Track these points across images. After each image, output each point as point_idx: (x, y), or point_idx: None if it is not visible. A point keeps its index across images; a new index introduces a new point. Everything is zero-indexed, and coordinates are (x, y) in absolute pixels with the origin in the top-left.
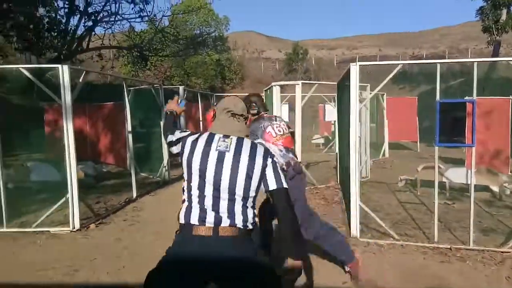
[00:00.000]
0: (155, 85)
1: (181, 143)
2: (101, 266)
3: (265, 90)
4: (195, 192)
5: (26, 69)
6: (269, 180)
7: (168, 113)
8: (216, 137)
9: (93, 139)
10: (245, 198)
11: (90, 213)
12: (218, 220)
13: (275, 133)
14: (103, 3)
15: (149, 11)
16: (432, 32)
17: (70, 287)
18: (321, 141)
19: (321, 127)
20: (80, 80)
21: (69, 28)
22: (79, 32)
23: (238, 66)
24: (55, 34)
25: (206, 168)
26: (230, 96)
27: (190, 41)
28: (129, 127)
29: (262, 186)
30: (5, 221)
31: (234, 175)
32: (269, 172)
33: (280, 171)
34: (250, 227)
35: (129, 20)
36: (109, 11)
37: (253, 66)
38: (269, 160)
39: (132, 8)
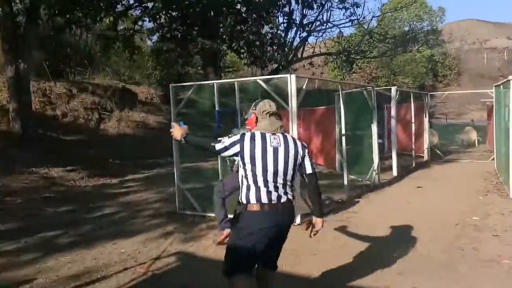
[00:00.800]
0: (367, 88)
1: (237, 145)
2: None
3: (495, 86)
4: (260, 179)
5: (262, 80)
6: (306, 166)
7: (183, 140)
8: (267, 135)
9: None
10: (292, 180)
11: (307, 209)
12: (279, 198)
13: None
14: (316, 14)
15: (359, 15)
16: None
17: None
18: None
19: None
20: (304, 87)
21: (287, 41)
22: (295, 43)
23: (454, 60)
24: (276, 47)
25: (267, 161)
26: (263, 100)
27: (399, 39)
28: (343, 129)
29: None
30: None
31: (286, 165)
32: (306, 160)
33: (311, 159)
34: (291, 198)
35: (339, 26)
36: (321, 20)
37: (472, 59)
38: (306, 151)
39: (343, 14)
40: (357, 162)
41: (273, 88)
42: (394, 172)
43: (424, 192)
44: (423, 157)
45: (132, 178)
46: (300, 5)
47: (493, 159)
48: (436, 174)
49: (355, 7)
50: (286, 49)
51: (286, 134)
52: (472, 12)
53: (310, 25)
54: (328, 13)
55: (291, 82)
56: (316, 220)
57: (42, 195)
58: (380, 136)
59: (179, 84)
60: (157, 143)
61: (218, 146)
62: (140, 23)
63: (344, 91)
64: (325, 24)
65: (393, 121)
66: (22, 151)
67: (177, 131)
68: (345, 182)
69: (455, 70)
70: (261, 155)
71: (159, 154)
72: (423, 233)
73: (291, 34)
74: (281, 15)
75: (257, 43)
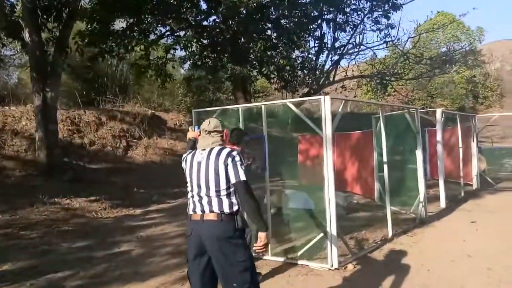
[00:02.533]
0: (410, 109)
1: (183, 161)
2: None
3: None
4: (190, 192)
5: (292, 103)
6: (229, 175)
7: (191, 138)
8: (197, 152)
9: (340, 168)
10: (218, 191)
11: (346, 249)
12: (202, 210)
13: None
14: (349, 36)
15: (394, 36)
16: None
17: None
18: None
19: None
20: (340, 109)
21: (318, 64)
22: (326, 66)
23: (495, 81)
24: (307, 71)
25: (192, 176)
26: (208, 119)
27: (436, 60)
28: (384, 156)
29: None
30: (270, 248)
31: (207, 178)
32: (229, 169)
33: (239, 167)
34: (228, 211)
35: (372, 48)
36: (354, 43)
37: None
38: (229, 159)
39: (377, 36)
40: (398, 192)
41: (304, 113)
42: (442, 203)
43: (481, 228)
44: (472, 185)
45: (156, 209)
46: (331, 28)
47: None
48: (490, 205)
49: (389, 28)
50: (317, 72)
51: (216, 147)
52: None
53: (342, 48)
54: (361, 36)
55: (325, 104)
56: (260, 235)
57: (60, 228)
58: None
59: (201, 110)
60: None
61: (184, 155)
62: (172, 51)
63: (386, 114)
64: (358, 47)
65: (439, 146)
66: (46, 181)
67: (190, 133)
68: (389, 217)
69: (497, 91)
70: (189, 170)
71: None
72: (488, 284)
73: (322, 57)
74: (312, 39)
75: (288, 67)
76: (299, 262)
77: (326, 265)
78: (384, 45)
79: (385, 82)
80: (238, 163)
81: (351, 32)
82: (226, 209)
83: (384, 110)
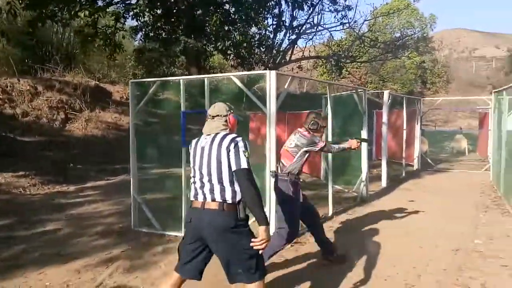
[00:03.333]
0: (358, 90)
1: (189, 145)
2: None
3: (494, 92)
4: (192, 180)
5: (237, 77)
6: (231, 162)
7: None
8: (202, 137)
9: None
10: (220, 179)
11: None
12: (204, 197)
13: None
14: (307, 16)
15: (350, 18)
16: None
17: None
18: None
19: None
20: (286, 86)
21: (275, 43)
22: (283, 45)
23: (443, 68)
24: (264, 49)
25: (195, 161)
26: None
27: (390, 45)
28: (329, 136)
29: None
30: None
31: (209, 164)
32: (231, 155)
33: (242, 154)
34: (230, 201)
35: (330, 29)
36: (312, 23)
37: (461, 67)
38: (232, 145)
39: (334, 17)
40: (343, 171)
41: (260, 91)
42: (384, 183)
43: (417, 207)
44: (413, 166)
45: (92, 186)
46: (290, 7)
47: (487, 169)
48: (429, 185)
49: (346, 9)
50: (274, 51)
51: (219, 133)
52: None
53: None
54: (319, 16)
55: (271, 79)
56: (258, 230)
57: None
58: (368, 142)
59: (139, 80)
60: (129, 147)
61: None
62: (122, 20)
63: (333, 94)
64: (315, 27)
65: (384, 127)
66: None
67: None
68: (330, 196)
69: (444, 77)
70: (193, 156)
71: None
72: (419, 261)
73: (280, 36)
74: (270, 16)
75: (245, 44)
76: None
77: None
78: (341, 27)
79: (340, 64)
80: (241, 150)
81: (309, 12)
82: (229, 198)
83: (332, 89)
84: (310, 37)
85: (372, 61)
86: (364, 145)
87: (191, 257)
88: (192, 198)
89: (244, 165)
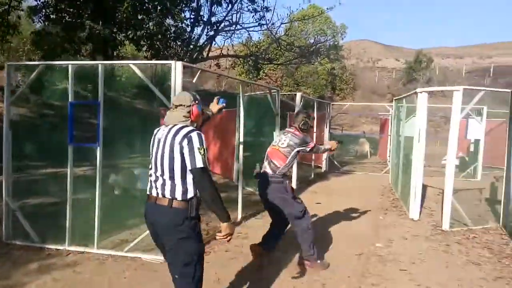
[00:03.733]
0: (272, 91)
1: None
2: None
3: (395, 100)
4: (150, 171)
5: (138, 66)
6: (186, 161)
7: (209, 112)
8: (161, 128)
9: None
10: (172, 174)
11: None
12: (156, 192)
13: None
14: (225, 13)
15: (268, 19)
16: None
17: None
18: (455, 162)
19: None
20: (194, 80)
21: (192, 37)
22: (201, 41)
23: (351, 76)
24: (180, 43)
25: (152, 153)
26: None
27: (304, 50)
28: (241, 137)
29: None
30: (97, 240)
31: (162, 158)
32: (186, 153)
33: (196, 152)
34: (180, 198)
35: (248, 29)
36: (230, 21)
37: (366, 76)
38: (185, 142)
39: (253, 16)
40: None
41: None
42: (294, 184)
43: (323, 210)
44: (321, 167)
45: None
46: (208, 2)
47: (386, 172)
48: (335, 187)
49: (265, 10)
50: (191, 46)
51: (177, 125)
52: (367, 33)
53: (218, 24)
54: (238, 15)
55: (176, 71)
56: (220, 226)
57: None
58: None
59: (17, 63)
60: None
61: None
62: None
63: (247, 94)
64: (234, 26)
65: None
66: None
67: (212, 106)
68: (240, 200)
69: (351, 85)
70: (151, 147)
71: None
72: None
73: (197, 31)
74: (188, 9)
75: (159, 36)
76: (130, 254)
77: (161, 257)
78: (259, 28)
79: (258, 65)
80: (196, 147)
81: (228, 9)
82: (179, 196)
83: (249, 89)
84: (229, 35)
85: (288, 64)
86: None
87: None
88: (147, 192)
89: (199, 164)
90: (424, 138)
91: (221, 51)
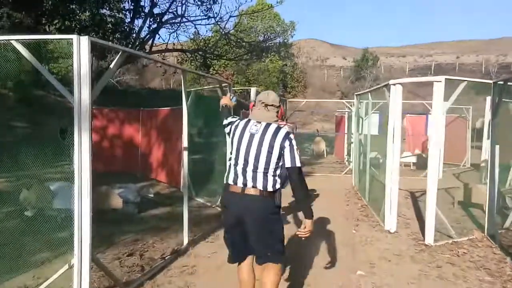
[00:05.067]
0: (223, 85)
1: (230, 125)
2: None
3: (356, 95)
4: (233, 162)
5: (21, 42)
6: (285, 159)
7: (224, 106)
8: (251, 122)
9: (144, 151)
10: (266, 169)
11: (119, 272)
12: (244, 183)
13: None
14: (168, 4)
15: (216, 13)
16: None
17: None
18: (412, 160)
19: (409, 142)
20: (112, 66)
21: (132, 30)
22: (143, 34)
23: (301, 74)
24: (119, 35)
25: (240, 146)
26: (267, 90)
27: (254, 46)
28: (185, 141)
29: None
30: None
31: (258, 153)
32: (286, 152)
33: (296, 152)
34: (270, 189)
35: (195, 22)
36: (175, 13)
37: (316, 74)
38: (287, 142)
39: (199, 8)
40: (206, 180)
41: None
42: None
43: (290, 223)
44: None
45: None
46: None
47: (347, 173)
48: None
49: (211, 2)
50: (131, 39)
51: (273, 123)
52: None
53: (161, 16)
54: (183, 7)
55: (80, 50)
56: (305, 223)
57: None
58: None
59: None
60: None
61: (224, 121)
62: None
63: (194, 89)
64: (179, 18)
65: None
66: None
67: (226, 99)
68: (185, 220)
69: (302, 82)
70: (237, 140)
71: None
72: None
73: (138, 22)
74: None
75: (96, 28)
76: None
77: None
78: (207, 21)
79: (207, 61)
80: (295, 147)
81: None
82: (270, 187)
83: (186, 76)
84: (174, 28)
85: (239, 60)
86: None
87: (241, 243)
88: (230, 182)
89: (298, 163)
90: (400, 137)
91: (166, 45)
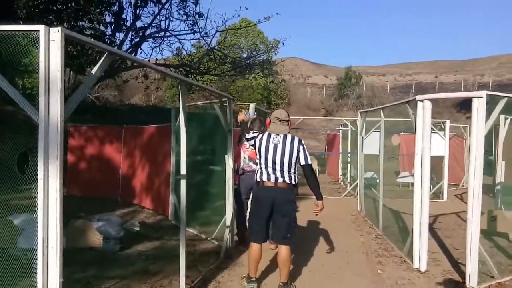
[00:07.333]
0: (223, 99)
1: (255, 139)
2: None
3: (360, 113)
4: (263, 166)
5: None
6: (300, 159)
7: (241, 121)
8: (272, 135)
9: (127, 173)
10: (289, 168)
11: None
12: (276, 179)
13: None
14: (152, 17)
15: (201, 27)
16: (489, 60)
17: None
18: (411, 180)
19: (403, 162)
20: (93, 71)
21: (114, 43)
22: (125, 47)
23: (285, 91)
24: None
25: (268, 153)
26: (278, 109)
27: (238, 64)
28: (182, 168)
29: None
30: None
31: (282, 157)
32: (301, 154)
33: (307, 153)
34: (294, 183)
35: (179, 37)
36: (159, 26)
37: (299, 91)
38: (301, 147)
39: (184, 22)
40: (200, 208)
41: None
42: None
43: (301, 260)
44: None
45: None
46: (132, 3)
47: (347, 195)
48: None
49: (197, 16)
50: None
51: (288, 135)
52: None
53: (144, 30)
54: (167, 22)
55: (49, 44)
56: (317, 202)
57: None
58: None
59: None
60: None
61: (247, 136)
62: None
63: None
64: (163, 32)
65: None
66: None
67: (242, 115)
68: (182, 262)
69: (286, 100)
70: (265, 149)
71: None
72: None
73: (120, 36)
74: (109, 13)
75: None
76: None
77: None
78: (192, 35)
79: (191, 77)
80: (306, 150)
81: (155, 11)
82: (293, 181)
83: (185, 90)
84: (157, 43)
85: (223, 75)
86: (230, 175)
87: (264, 224)
88: (264, 179)
89: (309, 161)
90: (429, 162)
91: (149, 60)
